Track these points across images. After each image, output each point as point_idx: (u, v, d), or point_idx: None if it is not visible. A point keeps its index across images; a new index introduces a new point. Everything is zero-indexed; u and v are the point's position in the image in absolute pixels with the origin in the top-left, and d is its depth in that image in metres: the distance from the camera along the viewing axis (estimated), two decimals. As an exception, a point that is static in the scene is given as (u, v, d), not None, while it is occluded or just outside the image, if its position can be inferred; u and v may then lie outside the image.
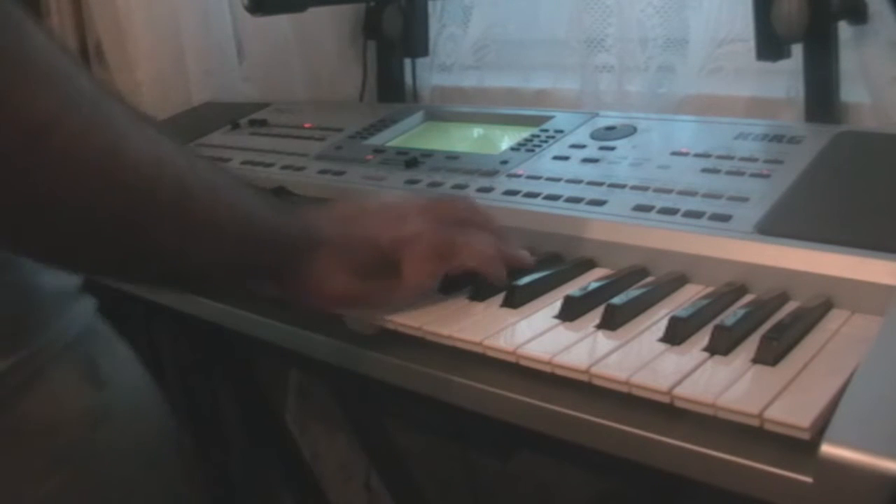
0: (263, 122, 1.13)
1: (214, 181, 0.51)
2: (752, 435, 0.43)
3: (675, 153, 0.76)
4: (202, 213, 0.49)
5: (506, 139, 0.90)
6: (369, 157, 0.92)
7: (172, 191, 0.47)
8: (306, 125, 1.09)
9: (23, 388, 0.52)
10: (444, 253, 0.58)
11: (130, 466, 0.59)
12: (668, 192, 0.69)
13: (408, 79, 1.23)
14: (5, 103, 0.40)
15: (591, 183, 0.74)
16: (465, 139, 0.99)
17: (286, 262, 0.54)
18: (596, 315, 0.56)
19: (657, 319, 0.56)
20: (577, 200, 0.71)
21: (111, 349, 0.61)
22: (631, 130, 0.83)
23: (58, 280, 0.57)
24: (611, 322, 0.55)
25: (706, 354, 0.50)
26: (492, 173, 0.80)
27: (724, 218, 0.64)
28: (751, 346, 0.50)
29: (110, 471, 0.57)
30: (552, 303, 0.60)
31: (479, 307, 0.61)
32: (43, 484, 0.53)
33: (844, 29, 0.82)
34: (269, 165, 0.98)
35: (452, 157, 0.87)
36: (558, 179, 0.76)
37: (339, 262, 0.55)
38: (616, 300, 0.57)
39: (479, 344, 0.55)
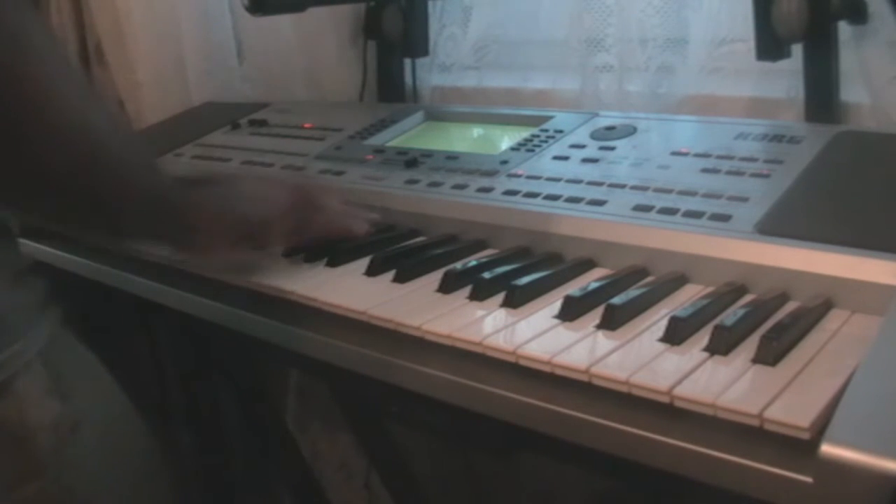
0: (263, 122, 1.13)
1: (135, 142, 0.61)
2: (752, 435, 0.43)
3: (675, 153, 0.76)
4: (121, 166, 0.58)
5: (506, 139, 0.90)
6: (369, 157, 0.92)
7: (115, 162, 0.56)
8: (306, 125, 1.09)
9: None
10: (296, 230, 0.70)
11: (106, 474, 0.60)
12: (668, 192, 0.69)
13: (408, 79, 1.23)
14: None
15: (591, 183, 0.74)
16: (465, 139, 0.99)
17: (177, 224, 0.64)
18: (596, 315, 0.56)
19: (657, 319, 0.56)
20: (576, 200, 0.71)
21: (77, 360, 0.61)
22: (631, 130, 0.83)
23: (24, 294, 0.58)
24: (611, 322, 0.55)
25: (706, 354, 0.50)
26: (492, 173, 0.80)
27: (724, 218, 0.64)
28: (751, 346, 0.50)
29: (86, 480, 0.58)
30: (552, 303, 0.60)
31: (479, 307, 0.61)
32: (17, 491, 0.53)
33: (844, 29, 0.82)
34: (269, 165, 0.98)
35: (452, 157, 0.87)
36: (558, 179, 0.76)
37: (217, 232, 0.65)
38: (616, 300, 0.57)
39: (479, 344, 0.55)
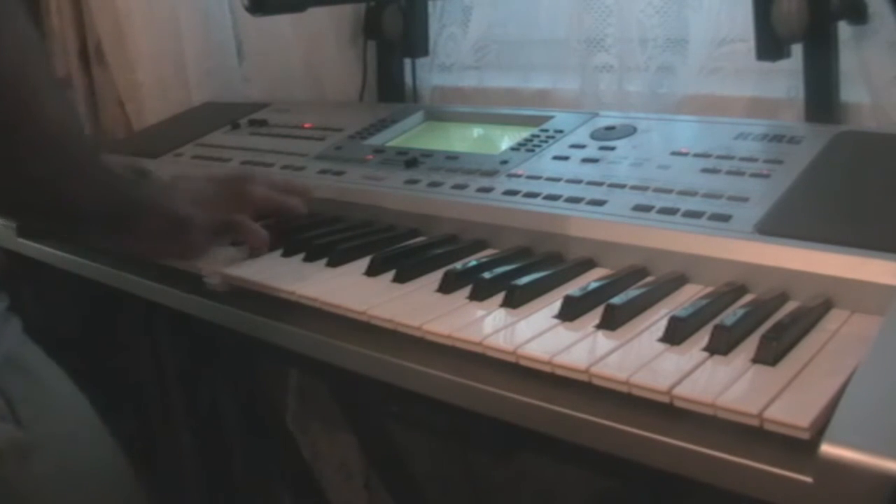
0: (263, 122, 1.13)
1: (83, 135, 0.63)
2: (752, 435, 0.43)
3: (675, 153, 0.76)
4: (78, 154, 0.60)
5: (506, 139, 0.90)
6: (369, 157, 0.92)
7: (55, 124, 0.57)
8: (306, 125, 1.09)
9: None
10: (219, 230, 0.74)
11: (68, 497, 0.59)
12: (668, 192, 0.69)
13: (408, 79, 1.23)
14: None
15: (591, 183, 0.74)
16: (465, 139, 0.99)
17: (127, 217, 0.66)
18: (596, 315, 0.56)
19: (657, 319, 0.56)
20: (577, 200, 0.71)
21: (35, 381, 0.60)
22: (631, 130, 0.83)
23: None
24: (611, 322, 0.55)
25: (706, 354, 0.50)
26: (492, 173, 0.80)
27: (724, 218, 0.64)
28: (751, 346, 0.50)
29: (46, 502, 0.57)
30: (552, 303, 0.60)
31: (479, 307, 0.61)
32: None
33: (844, 29, 0.82)
34: (269, 165, 0.98)
35: (452, 157, 0.87)
36: (558, 179, 0.76)
37: (150, 227, 0.68)
38: (616, 300, 0.57)
39: (479, 344, 0.55)
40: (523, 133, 0.89)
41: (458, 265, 0.67)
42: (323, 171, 0.92)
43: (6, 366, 0.58)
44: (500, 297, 0.61)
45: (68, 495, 0.59)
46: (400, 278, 0.67)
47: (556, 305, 0.59)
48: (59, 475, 0.59)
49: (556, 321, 0.57)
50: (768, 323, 0.52)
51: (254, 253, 0.75)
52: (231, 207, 0.75)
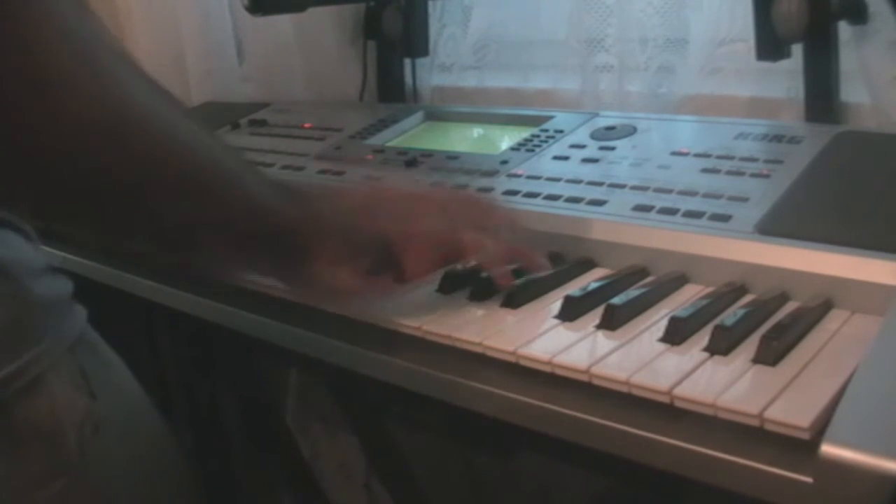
0: (263, 122, 1.13)
1: (223, 154, 0.52)
2: (752, 435, 0.43)
3: (675, 153, 0.76)
4: (212, 184, 0.50)
5: (506, 139, 0.90)
6: (369, 157, 0.92)
7: (182, 159, 0.48)
8: (306, 125, 1.09)
9: (21, 395, 0.52)
10: (447, 253, 0.58)
11: (127, 476, 0.59)
12: (668, 192, 0.69)
13: (408, 79, 1.23)
14: (13, 48, 0.40)
15: (591, 183, 0.74)
16: (465, 139, 0.99)
17: (287, 249, 0.53)
18: (596, 315, 0.56)
19: (657, 319, 0.56)
20: (577, 200, 0.71)
21: (103, 360, 0.61)
22: (631, 130, 0.83)
23: (52, 289, 0.57)
24: (611, 322, 0.55)
25: (706, 354, 0.50)
26: (492, 173, 0.80)
27: (724, 218, 0.64)
28: (751, 346, 0.50)
29: (108, 480, 0.57)
30: (552, 303, 0.60)
31: (479, 307, 0.61)
32: (42, 490, 0.53)
33: (844, 29, 0.82)
34: (270, 165, 0.98)
35: (452, 157, 0.87)
36: (558, 179, 0.76)
37: (341, 256, 0.54)
38: (616, 300, 0.57)
39: (479, 344, 0.55)
40: (523, 133, 0.89)
41: (458, 265, 0.67)
42: (323, 171, 0.92)
43: (80, 342, 0.58)
44: (500, 297, 0.61)
45: (130, 471, 0.60)
46: (400, 278, 0.67)
47: (557, 305, 0.59)
48: (122, 450, 0.59)
49: (556, 321, 0.57)
50: (768, 323, 0.52)
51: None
52: (452, 247, 0.59)
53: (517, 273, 0.63)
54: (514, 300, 0.60)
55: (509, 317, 0.59)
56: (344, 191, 0.59)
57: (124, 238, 0.54)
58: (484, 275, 0.63)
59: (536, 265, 0.62)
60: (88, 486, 0.56)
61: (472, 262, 0.62)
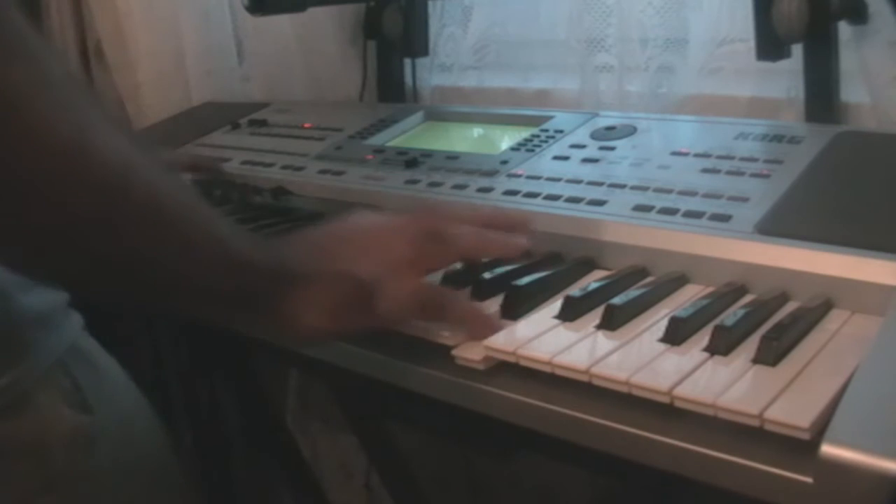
0: (263, 122, 1.13)
1: (190, 199, 0.49)
2: (752, 435, 0.43)
3: (675, 153, 0.76)
4: (175, 226, 0.47)
5: (506, 139, 0.90)
6: (369, 157, 0.92)
7: (144, 197, 0.45)
8: (306, 125, 1.09)
9: (9, 411, 0.51)
10: (422, 301, 0.56)
11: (125, 486, 0.59)
12: (668, 192, 0.69)
13: (408, 79, 1.23)
14: None
15: (591, 183, 0.74)
16: (465, 139, 0.99)
17: (260, 295, 0.51)
18: (596, 315, 0.56)
19: (657, 319, 0.56)
20: (577, 200, 0.71)
21: (97, 370, 0.60)
22: (631, 130, 0.83)
23: (43, 301, 0.55)
24: (611, 322, 0.55)
25: (706, 354, 0.50)
26: (492, 173, 0.80)
27: (724, 218, 0.64)
28: (751, 346, 0.50)
29: (103, 494, 0.57)
30: (552, 303, 0.60)
31: (479, 307, 0.61)
32: None
33: (844, 29, 0.82)
34: (269, 165, 0.98)
35: (452, 157, 0.87)
36: (558, 179, 0.76)
37: (315, 299, 0.53)
38: (616, 300, 0.57)
39: (479, 344, 0.55)
40: (523, 133, 0.88)
41: (458, 266, 0.67)
42: (323, 171, 0.92)
43: (72, 353, 0.57)
44: (500, 297, 0.61)
45: (125, 484, 0.59)
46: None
47: (557, 305, 0.59)
48: (119, 461, 0.58)
49: (556, 321, 0.57)
50: (769, 323, 0.52)
51: (475, 334, 0.56)
52: (429, 257, 0.57)
53: (516, 274, 0.63)
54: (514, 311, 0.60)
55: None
56: (303, 235, 0.58)
57: (79, 282, 0.49)
58: (486, 276, 0.63)
59: (511, 250, 0.61)
60: (84, 498, 0.55)
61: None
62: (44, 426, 0.53)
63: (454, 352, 0.55)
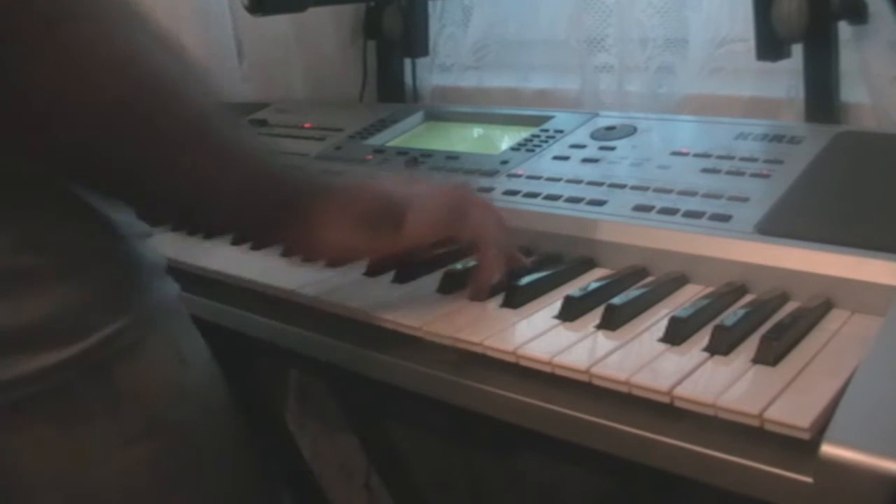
0: (263, 122, 1.13)
1: (231, 118, 0.53)
2: (752, 435, 0.43)
3: (675, 153, 0.76)
4: (216, 138, 0.51)
5: (506, 139, 0.90)
6: (369, 157, 0.92)
7: (188, 111, 0.49)
8: (306, 125, 1.09)
9: (123, 354, 0.53)
10: (449, 215, 0.58)
11: (210, 439, 0.61)
12: (668, 192, 0.69)
13: (408, 79, 1.23)
14: None
15: (591, 183, 0.74)
16: (465, 139, 0.99)
17: (292, 204, 0.54)
18: (596, 315, 0.56)
19: (657, 319, 0.56)
20: (577, 200, 0.71)
21: (192, 331, 0.62)
22: (631, 130, 0.83)
23: (154, 254, 0.58)
24: (611, 322, 0.55)
25: (706, 354, 0.50)
26: (492, 173, 0.80)
27: (724, 218, 0.64)
28: (751, 346, 0.50)
29: (194, 441, 0.59)
30: (552, 303, 0.60)
31: (480, 307, 0.61)
32: (135, 448, 0.54)
33: (844, 29, 0.82)
34: (269, 165, 0.98)
35: (452, 157, 0.87)
36: (558, 179, 0.76)
37: (343, 211, 0.55)
38: (616, 300, 0.57)
39: (479, 344, 0.55)
40: (523, 133, 0.89)
41: (459, 265, 0.67)
42: (323, 172, 0.92)
43: (176, 310, 0.59)
44: (500, 297, 0.61)
45: (211, 436, 0.61)
46: (400, 278, 0.67)
47: (557, 305, 0.59)
48: (205, 416, 0.60)
49: (556, 321, 0.57)
50: (769, 323, 0.52)
51: (474, 295, 0.59)
52: (452, 224, 0.59)
53: (516, 274, 0.63)
54: (514, 300, 0.60)
55: (509, 317, 0.59)
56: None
57: (122, 193, 0.53)
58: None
59: (508, 264, 0.63)
60: (179, 444, 0.57)
61: (471, 263, 0.63)
62: (149, 374, 0.55)
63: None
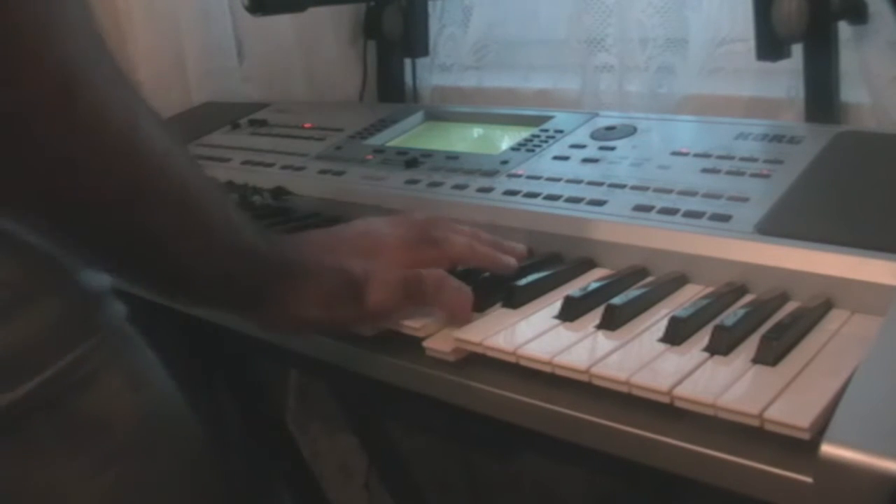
0: (263, 122, 1.13)
1: (212, 187, 0.53)
2: (752, 435, 0.43)
3: (675, 153, 0.76)
4: (199, 212, 0.51)
5: (506, 139, 0.90)
6: (369, 157, 0.92)
7: (178, 179, 0.49)
8: (306, 125, 1.09)
9: (80, 385, 0.53)
10: (409, 287, 0.58)
11: (172, 466, 0.60)
12: (668, 192, 0.69)
13: (408, 79, 1.23)
14: (33, 50, 0.40)
15: (591, 183, 0.74)
16: (465, 139, 0.99)
17: (262, 284, 0.55)
18: (596, 315, 0.56)
19: (657, 319, 0.56)
20: (577, 200, 0.71)
21: (144, 353, 0.61)
22: (631, 130, 0.83)
23: (97, 281, 0.57)
24: (611, 322, 0.55)
25: (706, 354, 0.50)
26: (492, 173, 0.80)
27: (724, 218, 0.64)
28: (751, 346, 0.50)
29: (155, 470, 0.58)
30: (552, 303, 0.60)
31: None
32: (96, 480, 0.54)
33: (844, 29, 0.82)
34: (269, 165, 0.98)
35: (452, 157, 0.87)
36: (558, 179, 0.76)
37: (311, 292, 0.56)
38: (616, 300, 0.57)
39: (479, 344, 0.55)
40: (523, 133, 0.89)
41: (458, 266, 0.67)
42: (323, 171, 0.92)
43: (126, 335, 0.59)
44: (500, 297, 0.61)
45: (173, 458, 0.60)
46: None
47: (557, 305, 0.59)
48: (170, 442, 0.60)
49: (556, 321, 0.57)
50: (769, 323, 0.52)
51: (455, 319, 0.59)
52: (421, 258, 0.60)
53: (516, 274, 0.63)
54: (514, 300, 0.60)
55: (509, 317, 0.59)
56: (307, 234, 0.63)
57: (105, 257, 0.53)
58: (486, 276, 0.63)
59: (500, 266, 0.64)
60: (140, 473, 0.57)
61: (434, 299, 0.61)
62: (106, 404, 0.55)
63: (424, 343, 0.57)
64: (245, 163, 1.01)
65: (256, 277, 0.55)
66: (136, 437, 0.57)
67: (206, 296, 0.57)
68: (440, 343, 0.57)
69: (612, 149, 0.80)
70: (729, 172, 0.70)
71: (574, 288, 0.61)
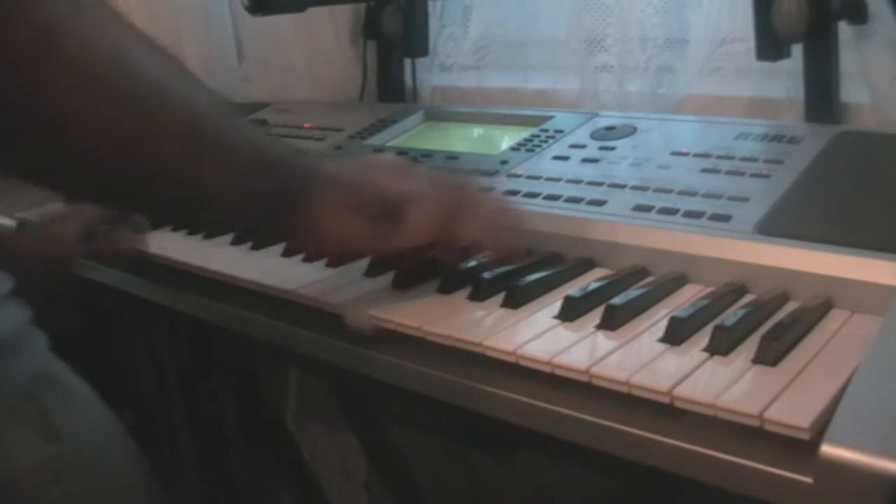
0: (263, 122, 1.13)
1: (222, 109, 0.52)
2: (752, 435, 0.43)
3: (675, 153, 0.76)
4: (212, 133, 0.49)
5: (506, 139, 0.90)
6: (369, 157, 0.92)
7: (181, 107, 0.48)
8: (306, 125, 1.09)
9: None
10: (448, 211, 0.57)
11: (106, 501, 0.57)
12: (668, 192, 0.69)
13: (408, 79, 1.23)
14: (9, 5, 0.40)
15: (591, 183, 0.74)
16: (465, 139, 0.99)
17: (293, 194, 0.53)
18: (596, 315, 0.56)
19: (657, 319, 0.56)
20: (577, 200, 0.71)
21: (65, 395, 0.58)
22: (631, 130, 0.83)
23: (4, 325, 0.54)
24: (611, 322, 0.55)
25: (706, 354, 0.50)
26: (492, 173, 0.80)
27: (724, 218, 0.64)
28: (751, 346, 0.50)
29: None
30: (552, 303, 0.60)
31: (479, 307, 0.61)
32: None
33: (844, 29, 0.82)
34: (269, 165, 0.98)
35: (452, 157, 0.87)
36: (558, 179, 0.76)
37: (344, 201, 0.55)
38: (616, 300, 0.57)
39: (479, 344, 0.55)
40: (523, 133, 0.89)
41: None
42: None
43: (39, 379, 0.55)
44: (500, 297, 0.61)
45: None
46: (400, 285, 0.66)
47: (557, 306, 0.59)
48: (88, 489, 0.56)
49: (556, 321, 0.57)
50: (769, 323, 0.52)
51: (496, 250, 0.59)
52: (450, 216, 0.58)
53: (516, 274, 0.63)
54: (514, 300, 0.60)
55: (509, 317, 0.59)
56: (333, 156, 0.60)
57: (128, 198, 0.52)
58: (486, 275, 0.63)
59: (510, 257, 0.64)
60: None
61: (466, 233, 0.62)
62: (12, 459, 0.52)
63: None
64: (245, 163, 1.01)
65: (284, 188, 0.53)
66: (50, 491, 0.53)
67: (235, 214, 0.54)
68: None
69: (612, 149, 0.80)
70: (729, 172, 0.70)
71: (574, 288, 0.61)
